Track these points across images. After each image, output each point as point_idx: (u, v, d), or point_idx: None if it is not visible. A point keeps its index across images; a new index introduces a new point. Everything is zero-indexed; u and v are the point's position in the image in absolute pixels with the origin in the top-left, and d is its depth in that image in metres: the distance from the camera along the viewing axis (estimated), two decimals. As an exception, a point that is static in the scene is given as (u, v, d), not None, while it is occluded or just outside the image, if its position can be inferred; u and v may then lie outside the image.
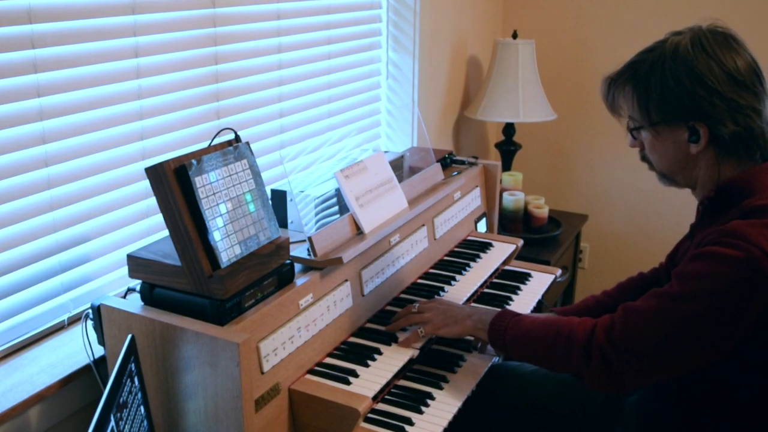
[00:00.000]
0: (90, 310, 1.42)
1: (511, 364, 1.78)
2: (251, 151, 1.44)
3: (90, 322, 1.43)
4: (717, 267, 1.25)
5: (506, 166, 2.99)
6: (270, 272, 1.42)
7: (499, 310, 1.57)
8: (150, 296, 1.38)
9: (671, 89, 1.34)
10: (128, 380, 1.17)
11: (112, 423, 1.06)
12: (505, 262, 2.11)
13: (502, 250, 2.11)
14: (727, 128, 1.32)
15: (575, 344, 1.37)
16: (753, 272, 1.22)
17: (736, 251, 1.23)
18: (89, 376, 1.45)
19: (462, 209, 2.15)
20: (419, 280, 1.91)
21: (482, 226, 2.28)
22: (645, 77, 1.38)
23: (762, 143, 1.35)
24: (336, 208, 1.78)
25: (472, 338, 1.69)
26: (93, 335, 1.43)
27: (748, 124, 1.33)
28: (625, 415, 1.59)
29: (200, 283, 1.31)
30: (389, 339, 1.60)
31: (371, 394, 1.42)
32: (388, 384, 1.49)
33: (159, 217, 1.65)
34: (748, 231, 1.24)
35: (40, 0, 1.39)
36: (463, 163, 2.26)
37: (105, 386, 1.18)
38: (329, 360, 1.53)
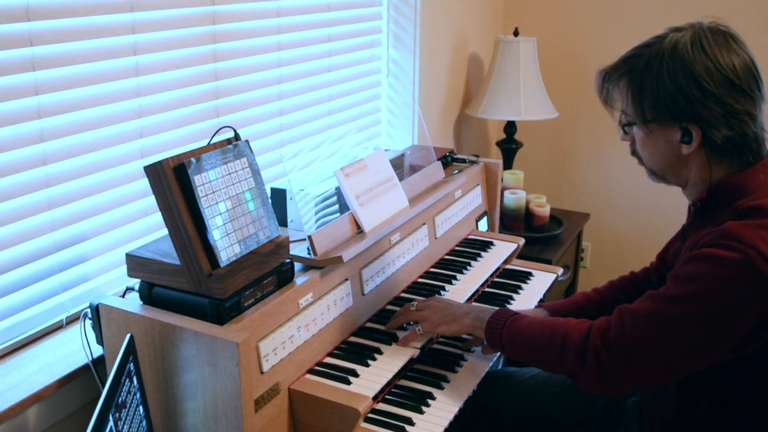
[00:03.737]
0: (88, 310, 1.41)
1: (509, 370, 1.77)
2: (251, 149, 1.43)
3: (88, 322, 1.42)
4: (713, 269, 1.24)
5: (507, 165, 2.98)
6: (269, 271, 1.41)
7: (497, 308, 1.56)
8: (149, 295, 1.37)
9: (667, 88, 1.31)
10: (127, 380, 1.17)
11: (111, 423, 1.05)
12: (506, 261, 2.10)
13: (503, 249, 2.10)
14: (720, 132, 1.30)
15: (570, 346, 1.36)
16: (749, 273, 1.21)
17: (732, 253, 1.22)
18: (88, 375, 1.45)
19: (463, 208, 2.14)
20: (420, 279, 1.90)
21: (483, 225, 2.27)
22: (641, 73, 1.35)
23: (755, 147, 1.33)
24: (336, 206, 1.77)
25: (470, 337, 1.68)
26: (91, 335, 1.42)
27: (743, 129, 1.30)
28: (627, 418, 1.58)
29: (199, 282, 1.30)
30: (390, 338, 1.60)
31: (372, 393, 1.41)
32: (388, 384, 1.49)
33: (158, 216, 1.64)
34: (744, 232, 1.23)
35: (38, -3, 1.38)
36: (464, 161, 2.25)
37: (104, 386, 1.18)
38: (329, 359, 1.53)
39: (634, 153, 1.47)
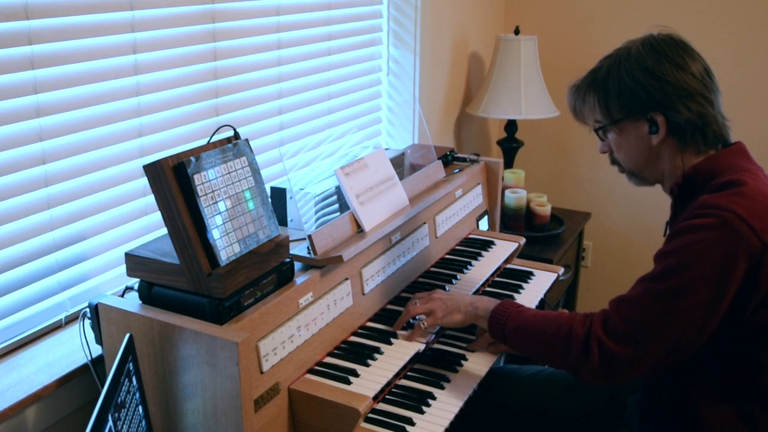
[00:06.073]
0: (87, 309, 1.40)
1: (511, 367, 1.77)
2: (250, 148, 1.43)
3: (88, 321, 1.42)
4: (692, 237, 1.29)
5: (508, 164, 2.97)
6: (269, 271, 1.41)
7: (502, 300, 1.56)
8: (148, 295, 1.37)
9: (627, 85, 1.44)
10: (126, 380, 1.16)
11: (110, 423, 1.05)
12: (507, 261, 2.09)
13: (504, 248, 2.10)
14: (681, 114, 1.40)
15: (575, 341, 1.38)
16: (727, 233, 1.26)
17: (708, 219, 1.29)
18: (87, 375, 1.44)
19: (463, 207, 2.13)
20: (420, 279, 1.89)
21: (484, 224, 2.27)
22: (604, 80, 1.49)
23: (717, 131, 1.43)
24: (336, 206, 1.76)
25: (473, 338, 1.68)
26: (91, 334, 1.42)
27: (701, 111, 1.40)
28: (628, 415, 1.57)
29: (199, 281, 1.29)
30: (390, 338, 1.59)
31: (372, 393, 1.41)
32: (388, 383, 1.48)
33: (157, 215, 1.63)
34: (718, 200, 1.30)
35: (37, -5, 1.37)
36: (464, 160, 2.25)
37: (103, 386, 1.17)
38: (329, 359, 1.52)
39: (614, 162, 1.56)
